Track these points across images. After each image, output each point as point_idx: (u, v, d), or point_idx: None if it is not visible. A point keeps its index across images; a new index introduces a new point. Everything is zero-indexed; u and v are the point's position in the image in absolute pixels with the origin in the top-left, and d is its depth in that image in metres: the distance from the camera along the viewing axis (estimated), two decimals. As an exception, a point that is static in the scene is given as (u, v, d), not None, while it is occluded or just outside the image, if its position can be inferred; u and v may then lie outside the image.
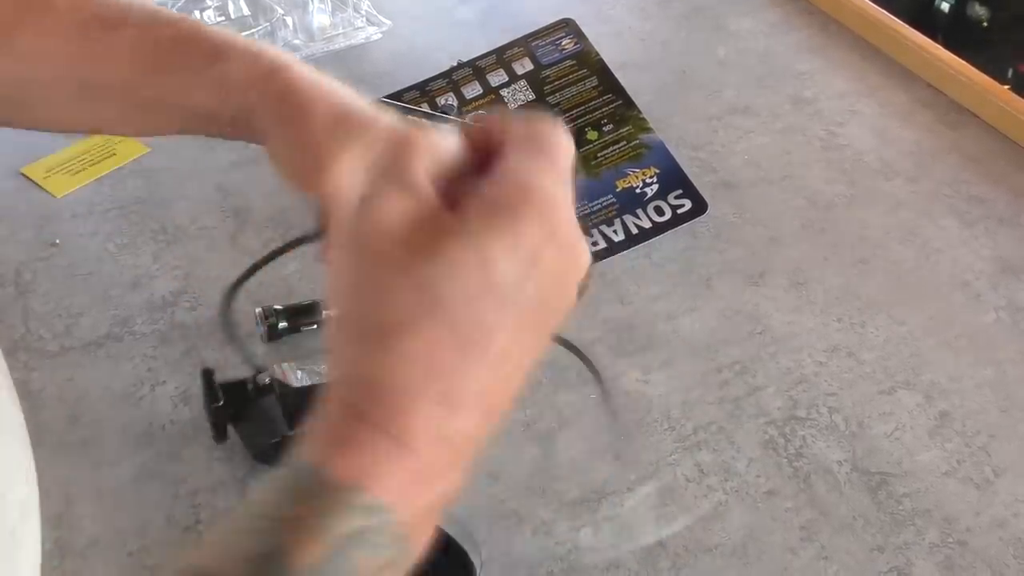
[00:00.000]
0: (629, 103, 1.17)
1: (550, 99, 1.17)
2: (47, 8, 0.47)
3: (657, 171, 1.10)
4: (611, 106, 1.16)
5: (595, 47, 1.22)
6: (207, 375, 0.81)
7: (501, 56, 1.22)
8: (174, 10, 0.57)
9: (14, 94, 0.47)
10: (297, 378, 0.82)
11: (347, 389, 0.33)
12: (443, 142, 0.38)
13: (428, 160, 0.36)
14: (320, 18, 1.37)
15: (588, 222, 1.06)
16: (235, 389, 0.82)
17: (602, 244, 1.05)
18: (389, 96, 1.15)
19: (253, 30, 1.32)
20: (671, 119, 1.21)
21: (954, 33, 1.77)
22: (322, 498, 0.31)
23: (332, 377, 0.33)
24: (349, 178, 0.37)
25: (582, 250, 0.36)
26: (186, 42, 0.48)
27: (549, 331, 0.36)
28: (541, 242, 0.34)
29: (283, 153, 0.42)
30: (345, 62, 1.31)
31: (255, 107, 0.46)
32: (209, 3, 1.34)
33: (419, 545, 0.34)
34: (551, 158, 0.36)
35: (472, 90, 1.19)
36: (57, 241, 1.05)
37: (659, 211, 1.07)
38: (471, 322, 0.33)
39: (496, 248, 0.33)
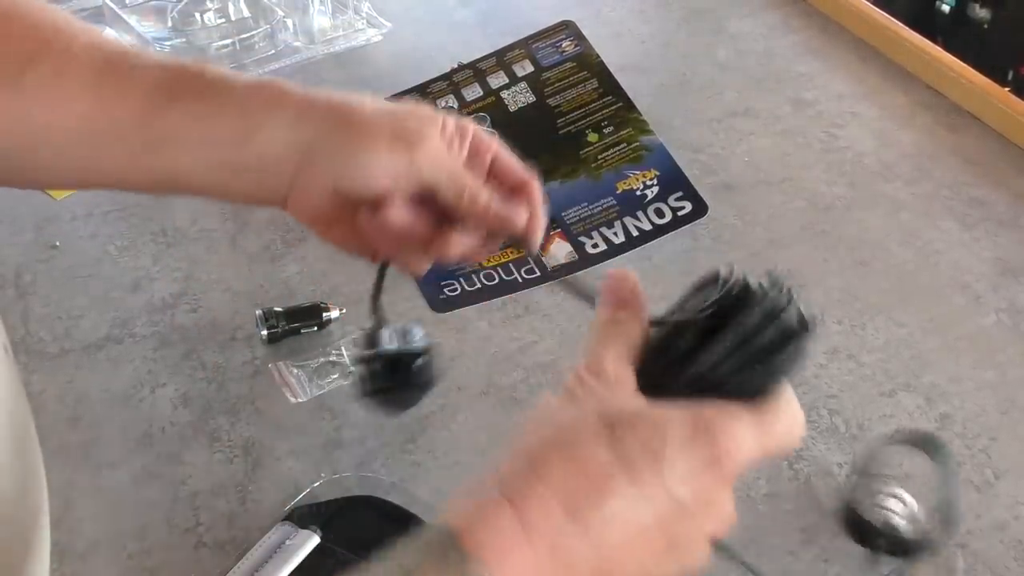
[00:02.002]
0: (630, 105, 1.17)
1: (550, 101, 1.17)
2: (63, 50, 0.46)
3: (657, 173, 1.10)
4: (611, 108, 1.16)
5: (595, 49, 1.22)
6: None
7: (501, 58, 1.22)
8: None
9: (19, 136, 0.45)
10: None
11: (508, 483, 0.36)
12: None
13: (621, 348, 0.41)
14: (320, 20, 1.37)
15: (588, 224, 1.06)
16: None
17: (602, 247, 1.04)
18: (388, 98, 1.15)
19: (254, 32, 1.32)
20: (672, 121, 1.21)
21: (954, 35, 1.77)
22: (447, 560, 0.34)
23: (502, 468, 0.37)
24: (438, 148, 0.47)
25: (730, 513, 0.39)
26: (209, 71, 0.47)
27: (668, 564, 0.38)
28: (713, 490, 0.37)
29: (352, 149, 0.46)
30: (345, 64, 1.31)
31: (299, 120, 0.46)
32: (210, 5, 1.34)
33: None
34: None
35: (472, 92, 1.19)
36: (57, 243, 1.05)
37: (659, 213, 1.07)
38: (620, 520, 0.36)
39: (677, 484, 0.36)
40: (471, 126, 0.50)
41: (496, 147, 0.51)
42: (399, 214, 0.47)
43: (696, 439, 0.36)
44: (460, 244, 0.49)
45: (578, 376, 0.40)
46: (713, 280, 0.42)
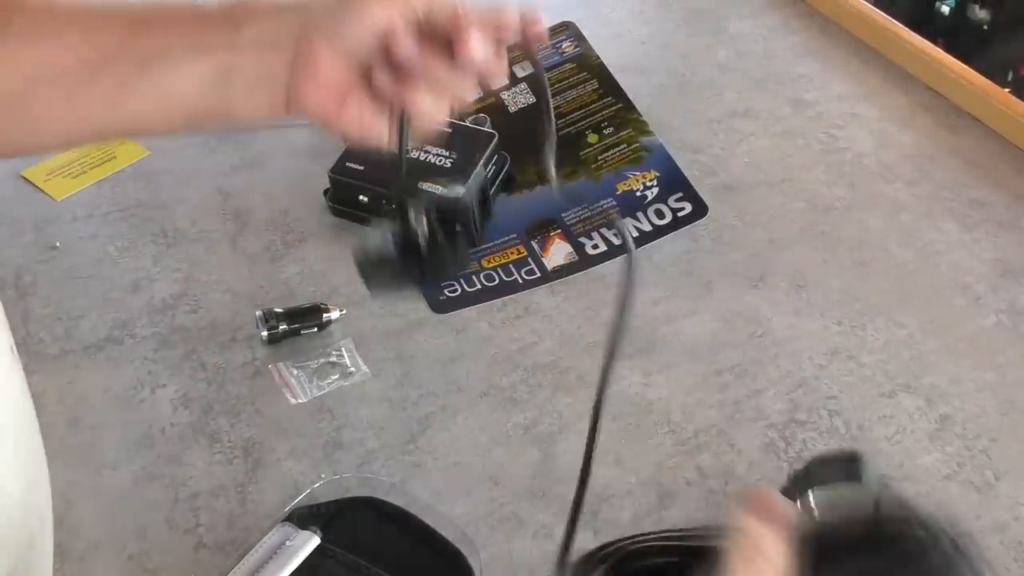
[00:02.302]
0: (629, 106, 1.17)
1: (551, 102, 1.17)
2: (42, 3, 0.47)
3: (657, 174, 1.10)
4: (611, 109, 1.16)
5: (595, 50, 1.22)
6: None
7: (501, 59, 1.22)
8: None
9: (11, 83, 0.46)
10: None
11: None
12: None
13: None
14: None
15: (588, 225, 1.06)
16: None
17: (603, 248, 1.05)
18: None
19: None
20: (671, 122, 1.21)
21: (954, 36, 1.77)
22: None
23: None
24: None
25: None
26: (185, 3, 0.48)
27: None
28: None
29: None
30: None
31: (283, 7, 0.47)
32: (209, 6, 1.34)
33: None
34: None
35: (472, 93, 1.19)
36: (57, 244, 1.05)
37: (659, 214, 1.07)
38: None
39: None
40: None
41: None
42: (408, 44, 0.47)
43: None
44: (474, 52, 0.49)
45: None
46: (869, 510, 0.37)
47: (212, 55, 0.47)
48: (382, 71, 0.48)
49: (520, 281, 1.01)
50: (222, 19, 0.47)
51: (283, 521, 0.76)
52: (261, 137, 1.20)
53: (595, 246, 1.05)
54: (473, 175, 0.90)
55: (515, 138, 1.11)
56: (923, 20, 1.75)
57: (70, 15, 0.47)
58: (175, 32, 0.47)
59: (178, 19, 0.47)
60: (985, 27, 1.77)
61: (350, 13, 0.47)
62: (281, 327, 0.93)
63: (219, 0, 0.48)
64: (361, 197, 1.03)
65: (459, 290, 1.00)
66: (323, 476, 0.82)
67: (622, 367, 0.93)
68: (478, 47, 0.48)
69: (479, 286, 1.01)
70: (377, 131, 0.51)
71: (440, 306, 0.99)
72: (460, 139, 1.05)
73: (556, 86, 1.19)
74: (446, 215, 0.58)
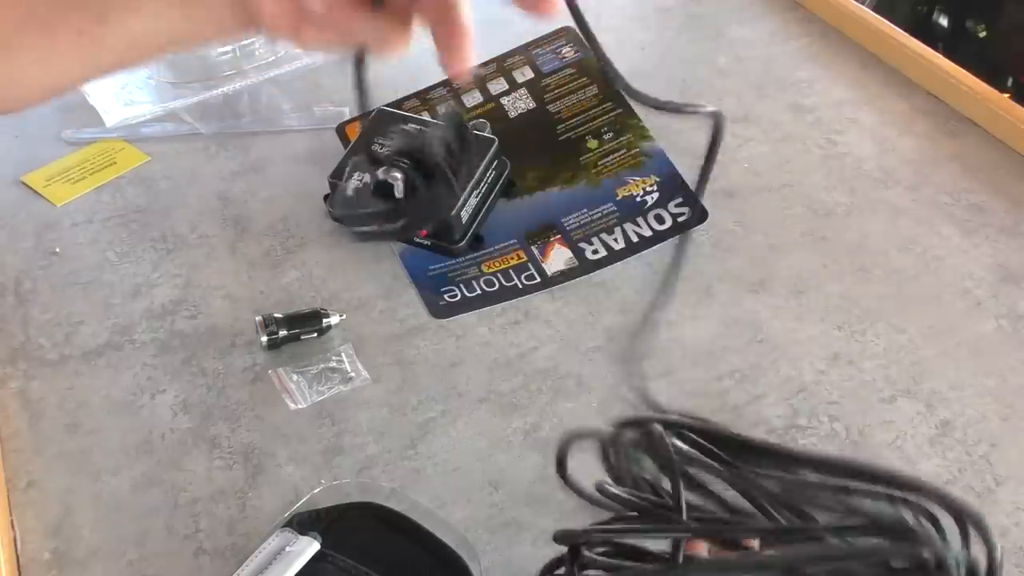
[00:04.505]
0: (629, 111, 1.17)
1: (550, 107, 1.18)
2: None
3: (657, 179, 1.11)
4: (611, 114, 1.16)
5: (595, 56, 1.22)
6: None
7: (502, 64, 1.23)
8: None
9: None
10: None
11: None
12: None
13: None
14: (320, 27, 1.37)
15: (588, 231, 1.07)
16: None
17: (603, 252, 1.05)
18: (389, 104, 1.15)
19: (251, 39, 1.33)
20: (671, 127, 1.21)
21: (953, 44, 1.78)
22: None
23: None
24: None
25: None
26: None
27: None
28: None
29: None
30: (344, 70, 1.31)
31: None
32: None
33: None
34: None
35: (472, 98, 1.20)
36: (57, 250, 1.05)
37: (659, 219, 1.07)
38: None
39: None
40: None
41: None
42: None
43: None
44: None
45: None
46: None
47: None
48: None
49: (520, 286, 1.01)
50: None
51: (283, 526, 0.76)
52: (261, 142, 1.20)
53: (595, 251, 1.05)
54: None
55: (515, 143, 1.11)
56: (922, 30, 1.76)
57: None
58: None
59: None
60: (983, 35, 1.78)
61: None
62: (281, 332, 0.93)
63: None
64: (361, 202, 1.03)
65: (459, 295, 1.00)
66: (323, 481, 0.82)
67: (621, 371, 0.93)
68: None
69: (479, 291, 1.01)
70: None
71: (440, 311, 0.99)
72: None
73: (555, 91, 1.19)
74: (423, 160, 0.57)
